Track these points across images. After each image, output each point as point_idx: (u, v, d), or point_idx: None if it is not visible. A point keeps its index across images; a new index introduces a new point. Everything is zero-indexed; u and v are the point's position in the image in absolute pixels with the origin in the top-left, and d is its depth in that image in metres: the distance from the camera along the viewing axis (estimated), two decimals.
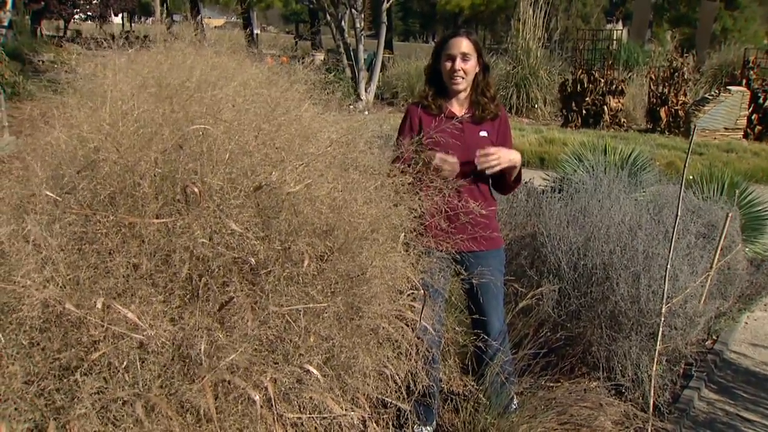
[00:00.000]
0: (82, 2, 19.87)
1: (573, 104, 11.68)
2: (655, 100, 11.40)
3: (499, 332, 2.41)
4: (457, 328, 2.42)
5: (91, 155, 1.70)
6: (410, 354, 1.92)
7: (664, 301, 2.35)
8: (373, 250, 1.81)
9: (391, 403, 1.92)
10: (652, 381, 2.46)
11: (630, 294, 2.78)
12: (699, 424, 2.80)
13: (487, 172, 2.32)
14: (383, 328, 1.87)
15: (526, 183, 3.75)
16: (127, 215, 1.61)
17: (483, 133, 2.41)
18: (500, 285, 2.44)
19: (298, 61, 2.27)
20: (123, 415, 1.48)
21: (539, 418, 2.35)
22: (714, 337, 3.58)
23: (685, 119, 10.93)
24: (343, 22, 13.69)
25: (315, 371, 1.65)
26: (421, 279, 2.04)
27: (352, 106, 11.80)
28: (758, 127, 10.98)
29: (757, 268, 4.03)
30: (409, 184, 2.03)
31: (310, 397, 1.67)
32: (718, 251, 3.17)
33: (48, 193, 1.64)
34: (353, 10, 13.30)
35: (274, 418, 1.60)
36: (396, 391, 1.88)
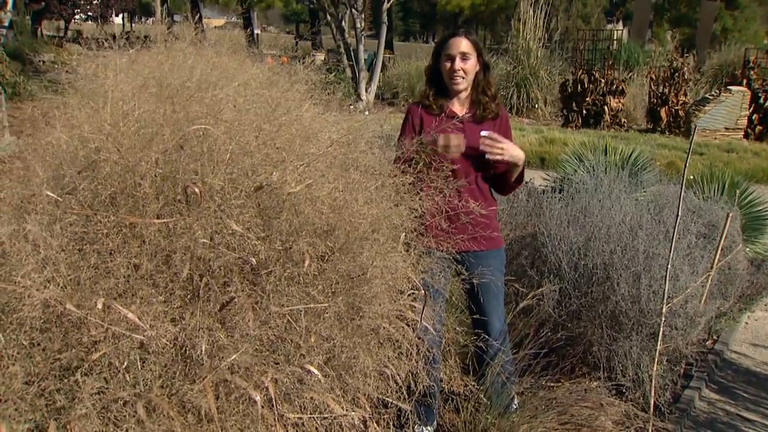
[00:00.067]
0: (82, 2, 19.88)
1: (573, 104, 11.68)
2: (655, 100, 11.40)
3: (500, 332, 2.41)
4: (457, 328, 2.42)
5: (92, 155, 1.70)
6: (411, 354, 1.92)
7: (665, 301, 2.35)
8: (373, 250, 1.81)
9: (391, 403, 1.92)
10: (653, 381, 2.46)
11: (631, 294, 2.78)
12: (700, 424, 2.80)
13: (487, 156, 2.30)
14: (384, 328, 1.87)
15: (526, 183, 3.75)
16: (128, 215, 1.61)
17: (484, 133, 2.41)
18: (501, 285, 2.44)
19: (299, 62, 2.27)
20: (124, 416, 1.48)
21: (540, 418, 2.35)
22: (714, 337, 3.58)
23: (685, 119, 10.93)
24: (343, 22, 13.70)
25: (316, 371, 1.65)
26: (422, 279, 2.04)
27: (352, 107, 11.80)
28: (759, 127, 10.97)
29: (757, 268, 4.02)
30: (409, 184, 2.03)
31: (311, 398, 1.67)
32: (719, 251, 3.16)
33: (49, 193, 1.64)
34: (353, 10, 13.30)
35: (275, 419, 1.61)
36: (397, 391, 1.88)
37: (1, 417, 1.43)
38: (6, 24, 12.90)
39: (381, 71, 14.21)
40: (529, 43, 13.04)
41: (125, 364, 1.50)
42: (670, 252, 2.34)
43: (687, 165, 2.33)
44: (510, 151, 2.30)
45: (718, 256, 3.16)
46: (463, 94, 2.44)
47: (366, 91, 13.39)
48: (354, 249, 1.78)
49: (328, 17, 13.72)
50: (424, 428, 2.36)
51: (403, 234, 2.01)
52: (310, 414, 1.67)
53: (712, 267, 3.10)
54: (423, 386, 1.99)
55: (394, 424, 2.05)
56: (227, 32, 2.94)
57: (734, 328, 3.74)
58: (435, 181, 2.17)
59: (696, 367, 3.13)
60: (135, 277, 1.57)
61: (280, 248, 1.68)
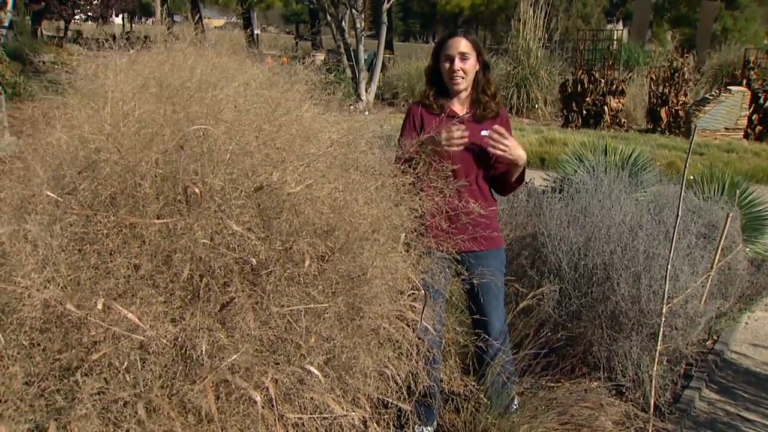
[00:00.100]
0: (82, 3, 19.87)
1: (573, 104, 11.68)
2: (655, 101, 11.40)
3: (500, 332, 2.41)
4: (457, 329, 2.42)
5: (92, 156, 1.70)
6: (411, 354, 1.92)
7: (665, 301, 2.35)
8: (373, 251, 1.81)
9: (391, 403, 1.92)
10: (653, 381, 2.46)
11: (631, 294, 2.78)
12: (700, 424, 2.80)
13: (491, 150, 2.30)
14: (384, 328, 1.87)
15: (526, 183, 3.75)
16: (128, 216, 1.61)
17: (485, 133, 2.41)
18: (501, 285, 2.44)
19: (299, 62, 2.27)
20: (124, 416, 1.48)
21: (540, 418, 2.35)
22: (714, 338, 3.58)
23: (685, 119, 10.93)
24: (343, 23, 13.70)
25: (316, 371, 1.65)
26: (422, 279, 2.04)
27: (352, 107, 11.80)
28: (759, 127, 10.97)
29: (757, 268, 4.03)
30: (410, 184, 2.03)
31: (311, 398, 1.67)
32: (719, 251, 3.16)
33: (49, 193, 1.64)
34: (353, 11, 13.31)
35: (275, 419, 1.61)
36: (397, 392, 1.88)
37: (1, 417, 1.43)
38: (6, 24, 12.90)
39: (381, 71, 14.21)
40: (529, 44, 13.04)
41: (125, 364, 1.50)
42: (670, 252, 2.34)
43: (687, 165, 2.33)
44: (514, 149, 2.30)
45: (718, 257, 3.16)
46: (464, 94, 2.44)
47: (366, 91, 13.40)
48: (354, 249, 1.78)
49: (328, 17, 13.72)
50: (424, 428, 2.36)
51: (403, 234, 2.01)
52: (311, 414, 1.67)
53: (712, 267, 3.10)
54: (423, 386, 1.99)
55: (394, 425, 2.05)
56: (227, 32, 2.94)
57: (734, 329, 3.74)
58: (435, 181, 2.17)
59: (696, 368, 3.13)
60: (135, 278, 1.57)
61: (280, 248, 1.68)
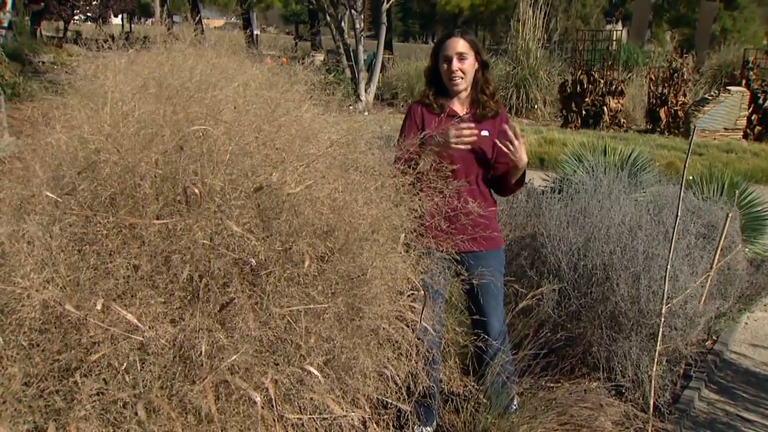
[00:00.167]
0: (81, 3, 19.86)
1: (573, 105, 11.69)
2: (654, 101, 11.41)
3: (499, 333, 2.41)
4: (457, 329, 2.42)
5: (92, 156, 1.70)
6: (410, 355, 1.91)
7: (664, 301, 2.35)
8: (373, 251, 1.81)
9: (391, 403, 1.92)
10: (653, 381, 2.47)
11: (630, 294, 2.78)
12: (699, 424, 2.80)
13: (497, 142, 2.34)
14: (384, 328, 1.87)
15: (526, 184, 3.75)
16: (128, 216, 1.61)
17: (485, 132, 2.41)
18: (500, 285, 2.44)
19: (298, 62, 2.27)
20: (124, 417, 1.48)
21: (539, 418, 2.35)
22: (714, 338, 3.58)
23: (684, 120, 10.93)
24: (342, 23, 13.69)
25: (316, 372, 1.65)
26: (422, 280, 2.04)
27: (351, 107, 11.80)
28: (758, 128, 10.98)
29: (756, 268, 4.03)
30: (409, 184, 2.03)
31: (311, 398, 1.67)
32: (718, 252, 3.17)
33: (48, 194, 1.64)
34: (353, 11, 13.30)
35: (274, 419, 1.60)
36: (396, 392, 1.88)
37: (0, 418, 1.43)
38: (5, 24, 12.90)
39: (380, 72, 14.21)
40: (529, 44, 13.04)
41: (125, 365, 1.50)
42: (669, 252, 2.34)
43: (686, 165, 2.33)
44: (519, 151, 2.31)
45: (717, 257, 3.16)
46: (463, 94, 2.44)
47: (365, 91, 13.40)
48: (354, 250, 1.78)
49: (328, 18, 13.72)
50: (423, 429, 2.36)
51: (403, 235, 2.01)
52: (310, 415, 1.67)
53: (711, 267, 3.10)
54: (423, 387, 1.99)
55: (393, 425, 2.05)
56: (227, 33, 2.94)
57: (734, 329, 3.74)
58: (435, 182, 2.17)
59: (695, 368, 3.13)
60: (134, 278, 1.57)
61: (279, 249, 1.68)
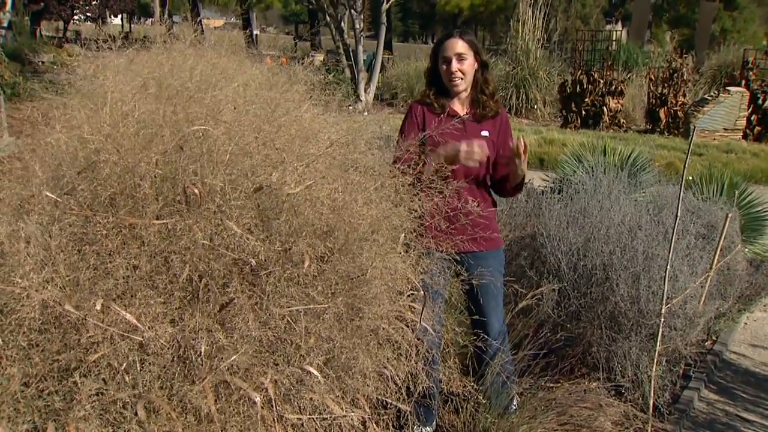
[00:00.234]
0: (81, 3, 19.84)
1: (572, 105, 11.69)
2: (654, 101, 11.41)
3: (499, 333, 2.41)
4: (457, 329, 2.41)
5: (92, 156, 1.70)
6: (410, 355, 1.91)
7: (664, 301, 2.35)
8: (373, 251, 1.81)
9: (391, 404, 1.92)
10: (652, 381, 2.47)
11: (630, 295, 2.78)
12: (699, 424, 2.80)
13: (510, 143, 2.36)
14: (383, 329, 1.87)
15: (525, 183, 3.75)
16: (128, 216, 1.61)
17: (485, 133, 2.41)
18: (500, 285, 2.44)
19: (298, 62, 2.27)
20: (124, 417, 1.48)
21: (539, 418, 2.35)
22: (713, 338, 3.58)
23: (684, 120, 10.94)
24: (342, 23, 13.69)
25: (315, 372, 1.65)
26: (421, 280, 2.04)
27: (351, 107, 11.80)
28: (757, 128, 10.99)
29: (756, 268, 4.03)
30: (409, 184, 2.03)
31: (311, 398, 1.67)
32: (718, 252, 3.17)
33: (48, 194, 1.64)
34: (353, 11, 13.30)
35: (274, 419, 1.60)
36: (396, 392, 1.88)
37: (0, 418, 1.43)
38: (5, 24, 12.90)
39: (380, 72, 14.21)
40: (528, 44, 13.04)
41: (124, 365, 1.50)
42: (669, 253, 2.34)
43: (686, 166, 2.33)
44: (523, 164, 2.34)
45: (717, 257, 3.16)
46: (464, 94, 2.44)
47: (365, 91, 13.40)
48: (353, 250, 1.78)
49: (327, 18, 13.72)
50: (423, 429, 2.36)
51: (403, 235, 2.01)
52: (310, 415, 1.66)
53: (711, 268, 3.10)
54: (422, 387, 1.98)
55: (393, 425, 2.05)
56: (226, 33, 2.93)
57: (733, 329, 3.74)
58: (435, 182, 2.17)
59: (695, 368, 3.13)
60: (134, 278, 1.57)
61: (279, 249, 1.68)
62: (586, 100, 11.52)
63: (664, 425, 2.68)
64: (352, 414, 1.73)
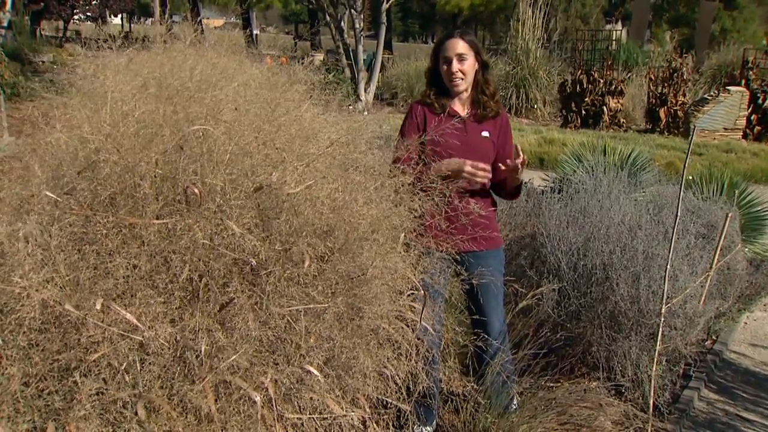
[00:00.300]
0: (81, 3, 19.83)
1: (572, 105, 11.69)
2: (654, 101, 11.41)
3: (499, 332, 2.41)
4: (457, 329, 2.42)
5: (92, 156, 1.70)
6: (410, 354, 1.92)
7: (664, 301, 2.35)
8: (373, 251, 1.81)
9: (391, 403, 1.92)
10: (652, 381, 2.46)
11: (630, 294, 2.78)
12: (699, 424, 2.80)
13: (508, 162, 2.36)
14: (383, 328, 1.87)
15: (525, 183, 3.75)
16: (128, 216, 1.61)
17: (485, 133, 2.41)
18: (500, 285, 2.44)
19: (298, 62, 2.27)
20: (124, 417, 1.48)
21: (539, 418, 2.35)
22: (714, 338, 3.58)
23: (684, 119, 10.94)
24: (342, 23, 13.69)
25: (315, 372, 1.65)
26: (421, 279, 2.04)
27: (351, 107, 11.80)
28: (757, 128, 10.99)
29: (756, 268, 4.03)
30: (409, 184, 2.03)
31: (311, 398, 1.67)
32: (718, 251, 3.17)
33: (48, 193, 1.64)
34: (353, 11, 13.30)
35: (274, 419, 1.60)
36: (396, 392, 1.88)
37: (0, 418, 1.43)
38: (5, 24, 12.89)
39: (380, 71, 14.21)
40: (528, 44, 13.04)
41: (124, 365, 1.50)
42: (669, 252, 2.34)
43: (686, 165, 2.33)
44: (521, 171, 2.35)
45: (717, 257, 3.16)
46: (464, 95, 2.44)
47: (365, 91, 13.40)
48: (354, 249, 1.78)
49: (327, 17, 13.71)
50: (423, 428, 2.36)
51: (403, 234, 2.01)
52: (310, 414, 1.67)
53: (711, 267, 3.10)
54: (422, 387, 1.99)
55: (393, 425, 2.05)
56: (226, 33, 2.94)
57: (733, 329, 3.74)
58: (435, 182, 2.17)
59: (695, 368, 3.13)
60: (134, 278, 1.57)
61: (279, 249, 1.68)
62: (586, 99, 11.52)
63: (664, 425, 2.68)
64: (353, 413, 1.73)
